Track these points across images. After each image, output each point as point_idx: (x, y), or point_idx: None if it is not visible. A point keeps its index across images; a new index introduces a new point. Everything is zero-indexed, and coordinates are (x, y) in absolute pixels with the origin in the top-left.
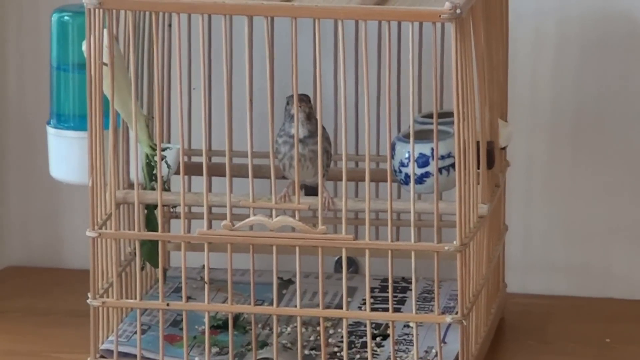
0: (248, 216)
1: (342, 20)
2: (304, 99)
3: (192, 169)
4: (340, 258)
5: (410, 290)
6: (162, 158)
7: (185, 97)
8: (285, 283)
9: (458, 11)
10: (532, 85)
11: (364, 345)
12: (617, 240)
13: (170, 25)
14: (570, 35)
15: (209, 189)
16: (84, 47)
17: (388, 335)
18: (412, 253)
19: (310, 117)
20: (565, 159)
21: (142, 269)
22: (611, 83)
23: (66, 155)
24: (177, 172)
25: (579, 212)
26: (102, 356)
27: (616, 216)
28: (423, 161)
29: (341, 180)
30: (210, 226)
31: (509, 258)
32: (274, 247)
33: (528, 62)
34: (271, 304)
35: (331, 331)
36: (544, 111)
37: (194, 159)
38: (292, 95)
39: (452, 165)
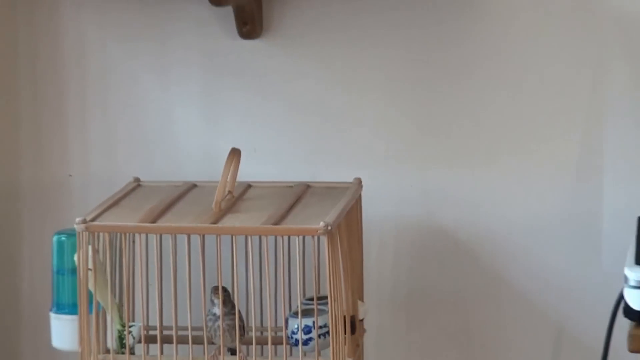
0: None
1: (251, 236)
2: (222, 290)
3: (150, 339)
4: None
5: None
6: (129, 332)
7: (145, 291)
8: None
9: (329, 228)
10: (378, 276)
11: None
12: None
13: (134, 242)
14: (405, 241)
15: (161, 352)
16: (76, 257)
17: None
18: None
19: (225, 302)
20: (402, 328)
21: None
22: (428, 274)
23: (63, 331)
24: (140, 341)
25: None
26: None
27: None
28: (307, 330)
29: (252, 344)
30: None
31: None
32: None
33: (375, 261)
34: None
35: None
36: (386, 294)
37: (151, 332)
38: (214, 287)
39: (327, 332)
